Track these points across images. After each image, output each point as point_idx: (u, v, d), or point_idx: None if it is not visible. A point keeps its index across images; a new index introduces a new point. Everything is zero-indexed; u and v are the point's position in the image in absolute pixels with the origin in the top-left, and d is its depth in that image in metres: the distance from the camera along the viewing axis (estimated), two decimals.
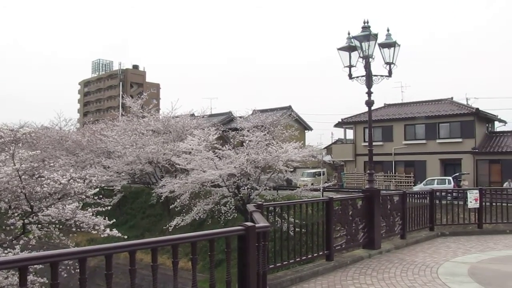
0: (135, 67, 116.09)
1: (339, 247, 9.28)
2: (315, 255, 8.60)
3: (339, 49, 10.83)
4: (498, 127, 42.31)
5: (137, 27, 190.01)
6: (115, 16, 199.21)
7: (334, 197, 9.49)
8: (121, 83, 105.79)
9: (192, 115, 39.09)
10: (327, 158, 51.07)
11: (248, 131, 26.87)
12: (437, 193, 16.28)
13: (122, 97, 54.65)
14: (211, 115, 45.69)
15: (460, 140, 36.65)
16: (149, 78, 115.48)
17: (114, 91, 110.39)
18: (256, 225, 4.92)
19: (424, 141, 38.30)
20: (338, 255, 9.29)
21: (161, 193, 27.29)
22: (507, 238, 12.97)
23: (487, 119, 39.49)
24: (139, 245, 3.91)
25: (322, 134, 73.17)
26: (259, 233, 4.90)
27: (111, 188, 32.30)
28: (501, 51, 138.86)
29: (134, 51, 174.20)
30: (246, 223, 4.82)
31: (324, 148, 52.35)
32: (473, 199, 13.95)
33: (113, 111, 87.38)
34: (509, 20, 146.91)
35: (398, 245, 11.03)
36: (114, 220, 15.29)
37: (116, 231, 14.35)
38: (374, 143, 38.13)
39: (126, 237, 13.63)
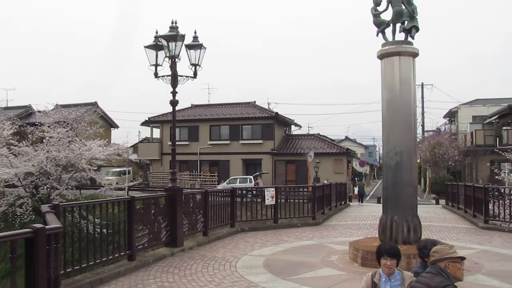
0: None
1: (142, 246, 9.19)
2: (116, 255, 8.39)
3: (146, 47, 10.75)
4: (294, 130, 46.13)
5: None
6: None
7: (137, 196, 9.37)
8: None
9: None
10: (134, 157, 50.20)
11: (49, 126, 25.10)
12: (239, 191, 17.14)
13: None
14: (7, 108, 41.71)
15: (261, 141, 39.03)
16: None
17: None
18: (47, 226, 4.60)
19: (228, 142, 39.94)
20: (141, 255, 9.19)
21: None
22: (298, 231, 14.18)
23: (285, 122, 42.71)
24: None
25: (129, 132, 71.77)
26: (50, 235, 4.60)
27: None
28: (299, 59, 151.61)
29: None
30: (35, 225, 4.48)
31: (130, 147, 51.30)
32: (269, 196, 14.94)
33: None
34: (300, 30, 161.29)
35: (200, 242, 11.30)
36: None
37: None
38: (180, 143, 39.00)
39: None
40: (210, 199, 12.40)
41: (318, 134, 47.06)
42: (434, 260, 3.82)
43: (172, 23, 10.46)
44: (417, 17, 9.63)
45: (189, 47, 10.95)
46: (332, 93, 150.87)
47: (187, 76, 10.79)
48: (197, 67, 10.99)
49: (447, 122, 53.58)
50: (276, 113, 40.03)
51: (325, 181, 23.68)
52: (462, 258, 3.88)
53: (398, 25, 9.67)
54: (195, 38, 11.09)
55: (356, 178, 41.51)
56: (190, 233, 11.32)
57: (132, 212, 8.61)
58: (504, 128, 35.21)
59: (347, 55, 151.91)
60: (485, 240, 12.51)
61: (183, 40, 10.53)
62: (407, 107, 9.28)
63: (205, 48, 11.08)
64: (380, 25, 9.77)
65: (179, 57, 10.54)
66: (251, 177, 34.74)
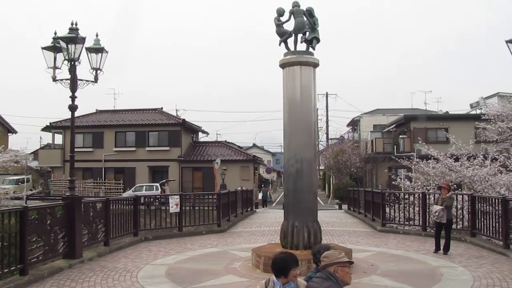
0: None
1: (36, 259, 8.70)
2: (6, 270, 7.84)
3: (44, 48, 10.27)
4: (202, 137, 46.02)
5: None
6: None
7: (32, 205, 8.88)
8: None
9: None
10: (34, 164, 47.70)
11: None
12: (145, 199, 16.82)
13: None
14: None
15: (168, 148, 38.52)
16: None
17: None
18: None
19: (134, 149, 39.02)
20: (35, 268, 8.70)
21: None
22: (203, 239, 14.12)
23: (193, 129, 42.50)
24: None
25: (30, 138, 67.99)
26: None
27: None
28: (207, 65, 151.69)
29: None
30: None
31: (31, 153, 48.74)
32: (174, 204, 14.76)
33: None
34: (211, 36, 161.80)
35: (101, 253, 10.91)
36: None
37: None
38: (84, 149, 37.62)
39: None
40: (112, 208, 12.04)
41: (226, 141, 47.31)
42: (324, 265, 3.92)
43: (72, 24, 10.08)
44: (318, 28, 9.97)
45: (90, 50, 10.60)
46: (241, 100, 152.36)
47: (87, 81, 10.42)
48: (99, 71, 10.66)
49: (350, 130, 55.92)
50: (184, 120, 39.76)
51: (239, 188, 23.86)
52: (351, 263, 4.03)
53: (300, 36, 9.95)
54: (97, 41, 10.74)
55: (262, 185, 42.06)
56: (90, 243, 10.91)
57: (24, 223, 8.12)
58: (400, 136, 37.32)
59: (256, 61, 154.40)
60: (382, 243, 13.13)
61: (83, 43, 10.16)
62: (308, 115, 9.57)
63: (107, 52, 10.77)
64: (283, 35, 10.00)
65: (79, 60, 10.17)
66: (158, 184, 34.20)
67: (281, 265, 4.10)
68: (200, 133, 45.43)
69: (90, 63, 10.59)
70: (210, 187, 33.80)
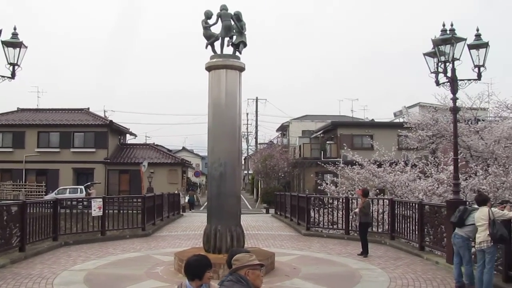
0: None
1: None
2: None
3: None
4: (130, 139, 45.05)
5: None
6: None
7: None
8: None
9: None
10: None
11: None
12: (68, 202, 16.25)
13: None
14: None
15: (93, 150, 37.36)
16: None
17: None
18: None
19: (58, 150, 37.50)
20: None
21: None
22: (126, 243, 13.79)
23: (120, 131, 41.51)
24: None
25: None
26: None
27: None
28: (138, 63, 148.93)
29: None
30: None
31: None
32: (96, 207, 14.33)
33: None
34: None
35: (15, 259, 10.36)
36: None
37: None
38: (3, 150, 35.82)
39: None
40: (29, 211, 11.50)
41: (154, 144, 46.57)
42: (235, 268, 3.90)
43: None
44: (245, 33, 10.01)
45: (6, 44, 10.08)
46: (171, 102, 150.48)
47: (3, 76, 9.91)
48: (16, 67, 10.16)
49: (280, 136, 56.62)
50: (111, 121, 38.73)
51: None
52: (262, 265, 4.02)
53: (226, 39, 9.95)
54: (15, 35, 10.22)
55: (191, 188, 41.76)
56: (3, 249, 10.34)
57: None
58: (327, 142, 38.24)
59: (185, 62, 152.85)
60: (306, 246, 13.34)
61: None
62: (232, 119, 9.56)
63: (26, 47, 10.28)
64: (210, 38, 9.97)
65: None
66: (83, 187, 33.11)
67: (195, 268, 4.04)
68: (128, 135, 44.46)
69: (6, 58, 10.06)
70: (137, 190, 33.06)
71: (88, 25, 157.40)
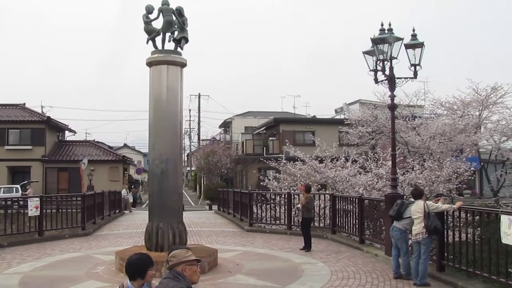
0: None
1: None
2: None
3: None
4: (69, 136, 43.76)
5: None
6: None
7: None
8: None
9: None
10: None
11: None
12: (2, 202, 15.65)
13: None
14: None
15: (30, 147, 36.01)
16: None
17: None
18: None
19: None
20: None
21: None
22: (65, 243, 13.39)
23: (59, 128, 40.21)
24: None
25: None
26: None
27: None
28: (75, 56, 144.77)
29: None
30: None
31: None
32: (33, 207, 13.83)
33: None
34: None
35: None
36: None
37: None
38: None
39: None
40: None
41: (94, 140, 45.47)
42: (172, 265, 3.87)
43: None
44: (187, 28, 9.90)
45: None
46: (112, 98, 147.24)
47: None
48: None
49: (222, 132, 56.55)
50: (48, 117, 37.41)
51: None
52: (198, 261, 4.02)
53: (168, 35, 9.82)
54: None
55: (132, 186, 41.02)
56: None
57: None
58: (270, 138, 38.53)
59: (127, 57, 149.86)
60: (249, 242, 13.40)
61: None
62: (174, 115, 9.44)
63: None
64: (151, 33, 9.80)
65: None
66: (18, 186, 31.88)
67: (138, 267, 3.98)
68: (67, 132, 43.18)
69: None
70: (76, 188, 32.10)
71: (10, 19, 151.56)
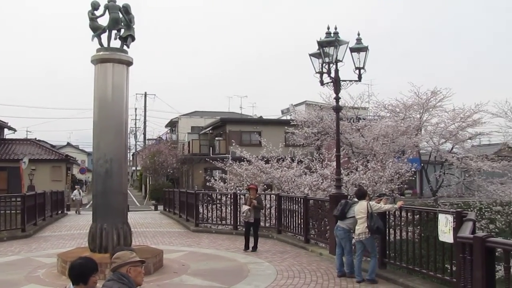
0: None
1: None
2: None
3: None
4: (8, 134, 42.08)
5: None
6: None
7: None
8: None
9: None
10: None
11: None
12: None
13: None
14: None
15: None
16: None
17: None
18: None
19: None
20: None
21: None
22: (3, 246, 12.88)
23: None
24: None
25: None
26: None
27: None
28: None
29: None
30: None
31: None
32: None
33: None
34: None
35: None
36: None
37: None
38: None
39: None
40: None
41: (36, 139, 43.99)
42: (116, 266, 3.83)
43: None
44: (134, 26, 9.75)
45: None
46: (55, 95, 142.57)
47: None
48: None
49: (169, 131, 55.99)
50: None
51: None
52: (143, 262, 3.99)
53: (114, 32, 9.63)
54: None
55: (76, 186, 40.00)
56: None
57: None
58: (216, 138, 38.49)
59: (70, 52, 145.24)
60: (195, 242, 13.35)
61: None
62: (119, 114, 9.27)
63: None
64: (96, 30, 9.58)
65: None
66: None
67: (79, 272, 3.88)
68: (6, 130, 41.52)
69: None
70: (16, 188, 31.00)
71: None
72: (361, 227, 8.03)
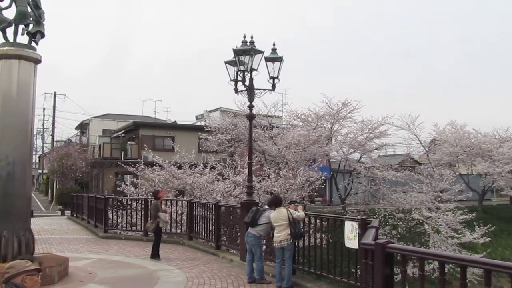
0: None
1: None
2: None
3: None
4: None
5: None
6: None
7: None
8: None
9: None
10: None
11: None
12: None
13: None
14: None
15: None
16: None
17: None
18: None
19: None
20: None
21: None
22: None
23: None
24: None
25: None
26: None
27: None
28: None
29: None
30: None
31: None
32: None
33: None
34: None
35: None
36: None
37: None
38: None
39: None
40: None
41: None
42: (9, 276, 3.64)
43: None
44: (44, 22, 9.30)
45: None
46: None
47: None
48: None
49: (79, 134, 54.01)
50: None
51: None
52: (39, 271, 3.83)
53: (21, 27, 9.12)
54: None
55: None
56: None
57: None
58: (129, 142, 37.62)
59: None
60: (103, 249, 12.91)
61: None
62: (24, 113, 8.74)
63: None
64: (1, 23, 9.02)
65: None
66: None
67: None
68: None
69: None
70: None
71: None
72: (282, 234, 8.08)
